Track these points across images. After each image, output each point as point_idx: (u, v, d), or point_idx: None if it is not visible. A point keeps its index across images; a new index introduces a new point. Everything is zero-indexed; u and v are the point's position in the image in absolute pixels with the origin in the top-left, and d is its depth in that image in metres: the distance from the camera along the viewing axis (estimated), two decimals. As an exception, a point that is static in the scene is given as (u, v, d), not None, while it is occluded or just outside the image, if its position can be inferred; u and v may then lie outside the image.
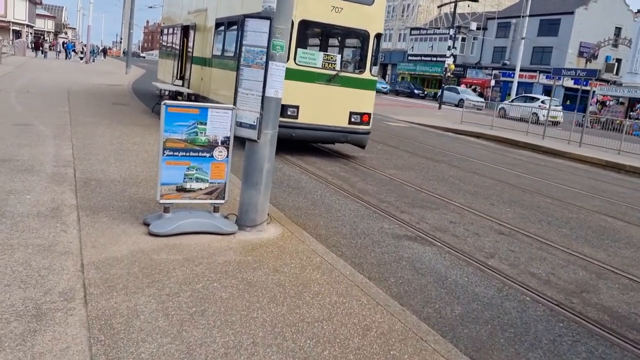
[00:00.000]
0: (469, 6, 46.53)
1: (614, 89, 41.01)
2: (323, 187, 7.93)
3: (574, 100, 38.84)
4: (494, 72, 52.30)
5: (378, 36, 10.44)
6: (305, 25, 9.92)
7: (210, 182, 5.08)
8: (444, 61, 51.20)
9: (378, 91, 47.92)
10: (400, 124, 21.96)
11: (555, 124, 27.20)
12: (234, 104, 5.08)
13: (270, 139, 5.14)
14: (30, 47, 59.08)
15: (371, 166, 10.34)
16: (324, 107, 10.11)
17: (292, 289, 3.95)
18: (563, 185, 11.01)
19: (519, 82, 46.00)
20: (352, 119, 10.44)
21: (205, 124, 4.93)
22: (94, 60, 50.17)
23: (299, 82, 9.84)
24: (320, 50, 10.67)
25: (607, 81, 46.33)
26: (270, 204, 6.01)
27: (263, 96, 4.94)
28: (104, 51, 72.31)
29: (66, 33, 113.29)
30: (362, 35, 10.42)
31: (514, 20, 52.08)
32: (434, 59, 58.35)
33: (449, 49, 36.43)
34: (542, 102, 30.69)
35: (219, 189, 5.14)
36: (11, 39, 58.44)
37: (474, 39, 56.53)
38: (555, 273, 5.33)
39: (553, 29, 49.73)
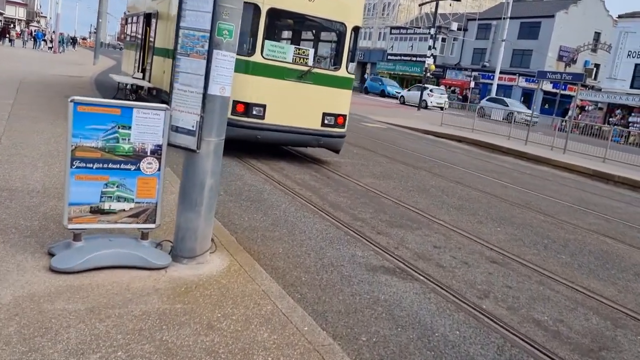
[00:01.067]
0: (450, 5, 45.88)
1: (593, 94, 40.81)
2: (288, 200, 6.87)
3: (553, 104, 38.50)
4: (474, 73, 51.82)
5: (356, 30, 9.42)
6: (274, 14, 8.84)
7: (137, 202, 3.99)
8: (424, 61, 50.61)
9: (390, 95, 47.72)
10: (377, 125, 21.02)
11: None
12: (169, 103, 4.00)
13: (215, 148, 4.06)
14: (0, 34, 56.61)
15: (346, 174, 9.32)
16: (295, 107, 9.05)
17: (229, 358, 2.90)
18: (552, 198, 10.14)
19: (498, 85, 45.54)
20: (326, 121, 9.40)
21: (130, 128, 3.83)
22: (63, 51, 48.09)
23: (267, 79, 8.76)
24: (291, 44, 9.61)
25: (585, 86, 46.21)
26: (219, 224, 4.96)
27: (205, 94, 3.86)
28: (74, 41, 69.81)
29: (38, 22, 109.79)
30: (339, 28, 9.38)
31: (494, 22, 51.66)
32: (414, 58, 57.68)
33: (429, 48, 35.68)
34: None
35: (149, 211, 4.04)
36: (-23, 26, 55.80)
37: (454, 39, 56.01)
38: (564, 320, 4.36)
39: (533, 32, 49.40)
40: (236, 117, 8.70)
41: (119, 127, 3.78)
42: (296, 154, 10.74)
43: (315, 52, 9.53)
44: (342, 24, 9.22)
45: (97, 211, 3.86)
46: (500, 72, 44.99)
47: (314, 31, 10.13)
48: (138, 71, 13.57)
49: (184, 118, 3.95)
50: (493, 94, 43.73)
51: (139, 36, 14.53)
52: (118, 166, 3.85)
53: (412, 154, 13.57)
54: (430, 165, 11.95)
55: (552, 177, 13.57)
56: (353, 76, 9.75)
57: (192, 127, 3.93)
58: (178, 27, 3.94)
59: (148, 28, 13.57)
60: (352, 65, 9.64)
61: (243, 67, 8.63)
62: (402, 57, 59.86)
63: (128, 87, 13.20)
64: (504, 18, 43.77)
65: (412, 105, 37.73)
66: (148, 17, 13.63)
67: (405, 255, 5.39)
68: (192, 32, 3.85)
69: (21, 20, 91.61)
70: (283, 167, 9.07)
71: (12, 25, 72.85)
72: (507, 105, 36.26)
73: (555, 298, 4.82)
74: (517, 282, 5.10)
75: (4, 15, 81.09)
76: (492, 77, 46.45)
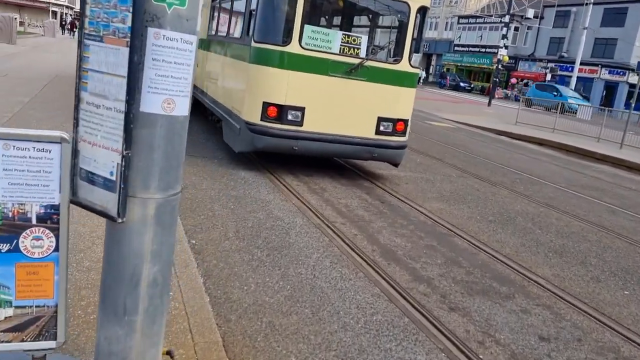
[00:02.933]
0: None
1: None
2: (323, 246, 4.96)
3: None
4: (550, 65, 47.81)
5: (422, 12, 7.35)
6: (317, -9, 6.96)
7: (18, 306, 2.22)
8: (494, 52, 47.13)
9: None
10: (444, 123, 18.71)
11: None
12: (75, 128, 2.18)
13: (158, 212, 2.19)
14: (62, 27, 57.87)
15: (406, 195, 7.31)
16: (342, 110, 7.13)
17: None
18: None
19: (578, 77, 41.63)
20: (382, 128, 7.41)
21: (-7, 176, 2.05)
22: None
23: (306, 74, 6.88)
24: (339, 30, 7.68)
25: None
26: (204, 301, 3.15)
27: (131, 113, 2.01)
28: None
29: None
30: (400, 9, 7.34)
31: (574, 9, 47.36)
32: (483, 49, 54.14)
33: (502, 37, 32.63)
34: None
35: (43, 320, 2.26)
36: (51, 20, 57.14)
37: (528, 28, 51.99)
38: None
39: (619, 18, 44.81)
40: (267, 124, 6.89)
41: (-33, 178, 2.00)
42: (344, 164, 8.81)
43: (370, 40, 7.55)
44: (405, 3, 7.17)
45: (-60, 327, 2.12)
46: (581, 64, 41.08)
47: (367, 13, 8.09)
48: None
49: (97, 157, 2.12)
50: (572, 87, 39.96)
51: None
52: (-26, 247, 2.08)
53: (487, 162, 11.32)
54: (511, 180, 9.70)
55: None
56: (418, 70, 7.68)
57: (111, 174, 2.09)
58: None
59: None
60: (417, 57, 7.58)
61: (276, 60, 6.80)
62: (470, 49, 56.38)
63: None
64: (586, 4, 39.78)
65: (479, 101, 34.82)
66: None
67: (498, 361, 3.38)
68: (105, -7, 2.00)
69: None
70: (325, 187, 7.16)
71: (76, 18, 74.81)
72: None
73: None
74: None
75: (74, 10, 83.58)
76: (570, 69, 42.58)
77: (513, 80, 51.94)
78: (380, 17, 8.02)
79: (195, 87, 10.84)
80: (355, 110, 7.19)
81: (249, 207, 5.70)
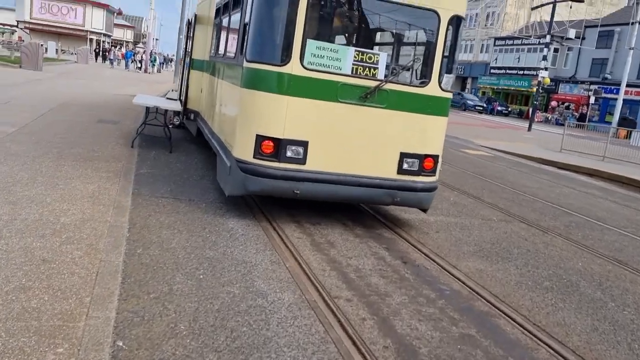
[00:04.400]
0: (570, 8, 40.28)
1: None
2: (315, 342, 3.51)
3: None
4: (593, 87, 45.44)
5: (455, 22, 5.95)
6: (323, -2, 5.66)
7: None
8: (532, 74, 45.13)
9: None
10: (481, 151, 17.09)
11: None
12: None
13: None
14: (95, 54, 58.60)
15: (435, 249, 5.83)
16: (354, 144, 5.73)
17: None
18: None
19: (624, 99, 39.19)
20: (405, 166, 5.96)
21: None
22: (158, 70, 47.74)
23: (310, 101, 5.54)
24: (350, 45, 6.34)
25: None
26: None
27: None
28: (170, 60, 71.08)
29: (144, 43, 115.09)
30: (428, 20, 5.94)
31: (618, 29, 45.07)
32: (521, 72, 52.12)
33: (543, 59, 30.82)
34: None
35: None
36: (84, 47, 57.98)
37: (569, 49, 49.79)
38: None
39: (667, 38, 42.29)
40: (261, 162, 5.55)
41: None
42: (362, 208, 7.37)
43: (390, 58, 6.19)
44: (433, 11, 5.77)
45: None
46: (627, 85, 38.69)
47: (387, 25, 6.70)
48: (176, 90, 10.91)
49: None
50: (618, 110, 37.58)
51: (185, 47, 11.94)
52: None
53: (533, 200, 9.69)
54: (565, 224, 8.06)
55: None
56: (450, 95, 6.23)
57: None
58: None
59: (188, 37, 10.90)
60: (449, 79, 6.14)
61: (272, 83, 5.49)
62: (507, 71, 54.41)
63: (164, 111, 10.42)
64: (632, 23, 37.58)
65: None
66: (189, 24, 10.97)
67: None
68: None
69: (128, 42, 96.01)
70: (334, 240, 5.73)
71: (118, 47, 76.10)
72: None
73: None
74: None
75: (112, 37, 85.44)
76: (616, 91, 40.18)
77: (553, 104, 49.65)
78: (404, 29, 6.63)
79: (198, 114, 9.65)
80: (371, 145, 5.78)
81: (224, 276, 4.32)
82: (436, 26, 5.82)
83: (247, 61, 5.64)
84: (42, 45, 28.25)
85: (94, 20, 75.44)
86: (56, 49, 50.71)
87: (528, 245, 6.57)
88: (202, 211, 6.02)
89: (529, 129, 29.76)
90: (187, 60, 10.27)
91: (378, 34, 6.79)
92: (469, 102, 51.04)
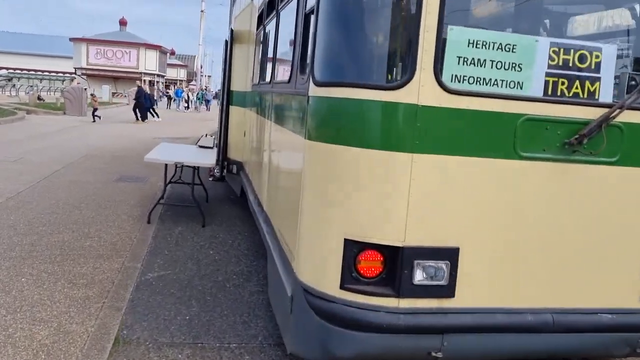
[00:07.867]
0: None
1: None
2: None
3: None
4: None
5: None
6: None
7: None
8: None
9: None
10: None
11: None
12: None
13: None
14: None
15: None
16: (557, 247, 2.62)
17: None
18: None
19: None
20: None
21: None
22: (207, 109, 45.89)
23: (458, 160, 2.48)
24: (536, 34, 3.20)
25: None
26: None
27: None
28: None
29: (196, 80, 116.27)
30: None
31: None
32: None
33: None
34: None
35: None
36: (134, 89, 57.84)
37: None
38: None
39: None
40: (356, 297, 2.53)
41: None
42: None
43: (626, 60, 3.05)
44: None
45: None
46: None
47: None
48: (211, 135, 8.12)
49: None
50: None
51: (222, 77, 9.18)
52: None
53: None
54: None
55: None
56: None
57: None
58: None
59: (227, 62, 8.08)
60: None
61: (375, 126, 2.47)
62: None
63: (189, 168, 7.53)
64: None
65: None
66: (226, 46, 8.18)
67: None
68: None
69: (182, 80, 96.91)
70: None
71: (166, 86, 76.35)
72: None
73: None
74: None
75: (165, 77, 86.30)
76: None
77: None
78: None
79: (242, 166, 6.82)
80: (593, 248, 2.66)
81: None
82: None
83: (317, 84, 2.67)
84: (85, 89, 26.72)
85: (148, 61, 76.15)
86: (112, 92, 50.27)
87: None
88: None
89: None
90: (225, 93, 7.50)
91: (592, 17, 3.58)
92: None
